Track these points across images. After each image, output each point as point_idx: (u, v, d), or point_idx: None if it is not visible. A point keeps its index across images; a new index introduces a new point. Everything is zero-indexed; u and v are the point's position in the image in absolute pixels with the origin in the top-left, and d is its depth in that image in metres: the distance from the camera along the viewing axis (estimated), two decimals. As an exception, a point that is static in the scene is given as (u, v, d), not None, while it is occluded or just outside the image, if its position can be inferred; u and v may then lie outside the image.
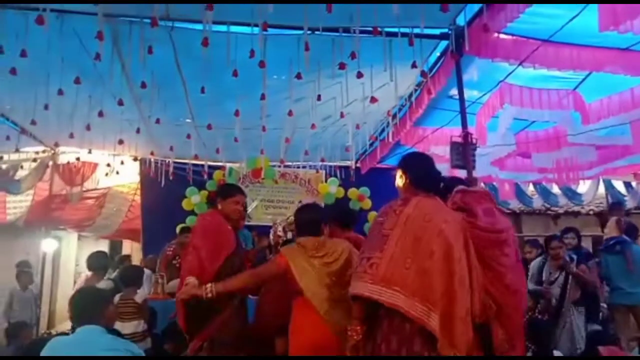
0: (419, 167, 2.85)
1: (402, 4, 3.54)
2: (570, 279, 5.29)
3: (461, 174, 4.73)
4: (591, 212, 11.51)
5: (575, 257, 5.46)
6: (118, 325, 4.55)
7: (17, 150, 7.54)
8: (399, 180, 2.85)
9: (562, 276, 5.35)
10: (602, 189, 9.71)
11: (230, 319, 3.40)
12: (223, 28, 4.34)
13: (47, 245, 9.15)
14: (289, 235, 5.79)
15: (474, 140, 4.87)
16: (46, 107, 5.26)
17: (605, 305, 5.83)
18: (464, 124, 4.86)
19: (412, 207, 2.63)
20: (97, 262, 5.26)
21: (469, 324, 2.49)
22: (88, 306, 2.76)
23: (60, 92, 4.82)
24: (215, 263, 3.35)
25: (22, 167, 8.54)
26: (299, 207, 3.58)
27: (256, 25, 4.06)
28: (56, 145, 8.11)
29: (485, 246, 2.76)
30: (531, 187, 10.09)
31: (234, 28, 4.40)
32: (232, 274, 3.33)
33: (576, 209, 11.20)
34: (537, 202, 10.39)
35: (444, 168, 5.91)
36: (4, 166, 8.47)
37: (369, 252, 2.63)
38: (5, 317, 6.69)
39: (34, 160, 8.53)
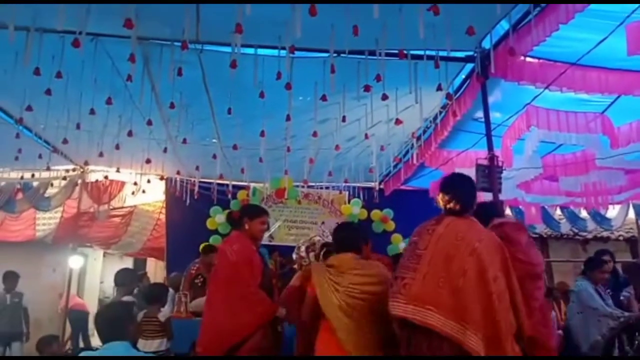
0: (457, 189, 2.87)
1: (429, 26, 3.56)
2: None
3: (486, 196, 4.68)
4: (621, 238, 11.23)
5: (628, 294, 5.16)
6: (141, 343, 4.59)
7: (48, 169, 7.73)
8: (439, 201, 2.88)
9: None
10: (632, 214, 9.48)
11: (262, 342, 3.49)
12: (251, 51, 4.43)
13: (74, 261, 9.30)
14: (311, 256, 5.77)
15: (500, 163, 4.83)
16: (78, 126, 5.41)
17: None
18: (490, 147, 4.82)
19: (444, 227, 2.65)
20: (123, 279, 5.34)
21: (514, 342, 2.46)
22: (115, 321, 2.79)
23: (92, 112, 4.95)
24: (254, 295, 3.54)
25: (52, 184, 8.75)
26: (338, 225, 3.60)
27: (283, 48, 4.13)
28: (86, 163, 8.29)
29: (521, 277, 2.75)
30: (558, 211, 9.90)
31: (261, 51, 4.48)
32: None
33: (605, 234, 10.93)
34: (565, 227, 10.16)
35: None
36: (34, 184, 8.70)
37: (402, 272, 2.67)
38: None
39: (64, 178, 8.72)
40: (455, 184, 2.92)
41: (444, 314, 2.41)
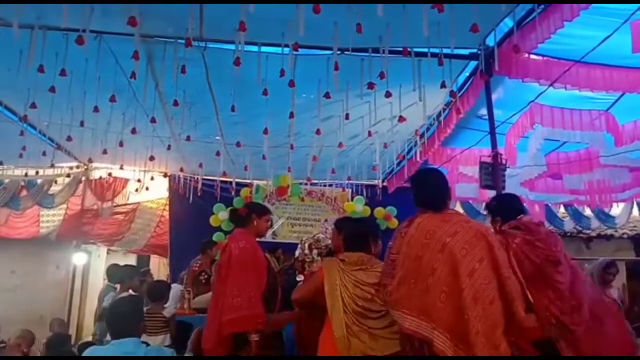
0: (419, 185, 2.78)
1: (433, 24, 3.55)
2: None
3: (490, 194, 4.68)
4: (625, 236, 11.19)
5: None
6: (144, 339, 4.60)
7: (52, 166, 7.74)
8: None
9: None
10: (636, 212, 9.45)
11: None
12: (255, 48, 4.43)
13: (78, 258, 9.32)
14: (315, 253, 5.76)
15: (504, 161, 4.82)
16: (82, 124, 5.43)
17: None
18: (494, 145, 4.82)
19: (415, 228, 2.58)
20: (122, 276, 5.37)
21: (497, 339, 2.31)
22: (126, 317, 2.79)
23: (96, 110, 4.97)
24: (261, 294, 3.46)
25: (56, 182, 8.78)
26: (346, 219, 3.56)
27: (287, 46, 4.13)
28: (90, 161, 8.30)
29: (543, 264, 2.89)
30: (562, 210, 9.87)
31: (265, 48, 4.48)
32: (270, 292, 3.51)
33: (610, 232, 10.89)
34: (569, 225, 10.12)
35: (473, 188, 5.87)
36: (39, 181, 8.72)
37: (384, 279, 2.68)
38: None
39: (68, 175, 8.75)
40: (420, 180, 2.83)
41: (416, 315, 2.39)
